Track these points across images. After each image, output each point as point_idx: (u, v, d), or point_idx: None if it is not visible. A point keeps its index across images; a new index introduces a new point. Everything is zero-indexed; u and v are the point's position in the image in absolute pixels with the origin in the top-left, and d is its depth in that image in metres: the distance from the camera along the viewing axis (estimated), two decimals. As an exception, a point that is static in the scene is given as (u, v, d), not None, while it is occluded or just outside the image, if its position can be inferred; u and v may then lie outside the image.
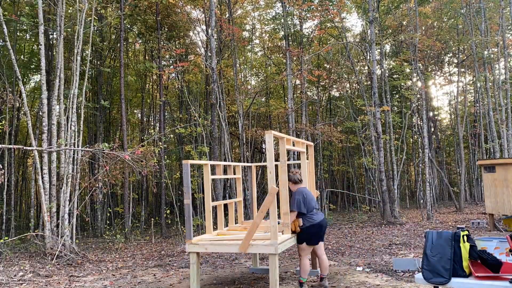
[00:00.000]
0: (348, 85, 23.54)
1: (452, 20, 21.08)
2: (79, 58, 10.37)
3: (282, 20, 18.06)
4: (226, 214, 10.95)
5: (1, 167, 8.59)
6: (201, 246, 5.23)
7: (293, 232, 5.42)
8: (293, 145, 5.80)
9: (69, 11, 14.34)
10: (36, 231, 9.59)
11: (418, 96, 17.59)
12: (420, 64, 17.64)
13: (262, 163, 7.95)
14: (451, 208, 19.49)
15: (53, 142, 9.63)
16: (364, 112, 16.50)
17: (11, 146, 11.30)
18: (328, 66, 21.61)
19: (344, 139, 19.56)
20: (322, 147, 20.83)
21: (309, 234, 5.30)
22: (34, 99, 19.02)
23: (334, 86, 22.71)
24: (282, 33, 19.16)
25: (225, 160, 15.49)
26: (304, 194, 5.39)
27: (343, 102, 21.77)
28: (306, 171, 6.12)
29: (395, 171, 17.36)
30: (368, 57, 18.18)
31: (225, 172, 13.04)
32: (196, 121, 15.40)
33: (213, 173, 9.88)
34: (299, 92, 20.94)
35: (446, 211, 18.24)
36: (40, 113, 12.03)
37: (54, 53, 14.36)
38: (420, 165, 19.62)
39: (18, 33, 15.62)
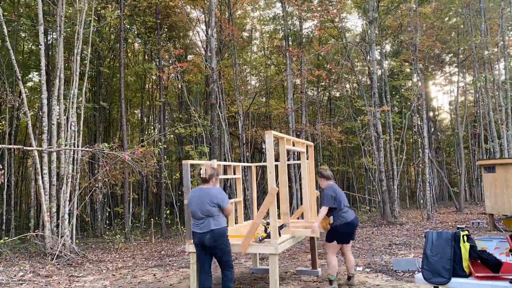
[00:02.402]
0: (348, 85, 23.54)
1: (453, 20, 21.08)
2: (78, 58, 10.38)
3: (282, 21, 18.07)
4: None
5: (1, 167, 8.59)
6: (201, 246, 5.22)
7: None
8: (293, 145, 5.80)
9: (69, 11, 14.33)
10: (36, 231, 9.59)
11: (418, 96, 17.59)
12: (420, 64, 17.64)
13: (262, 163, 7.95)
14: (451, 208, 19.49)
15: (53, 142, 9.64)
16: (364, 112, 16.49)
17: (11, 146, 11.30)
18: (328, 66, 21.61)
19: (344, 139, 19.55)
20: (322, 147, 20.82)
21: (341, 233, 5.24)
22: (34, 98, 19.00)
23: (334, 86, 22.71)
24: (282, 33, 19.16)
25: (225, 160, 15.49)
26: (335, 190, 5.34)
27: (343, 102, 21.77)
28: (306, 171, 6.12)
29: (395, 171, 17.35)
30: (368, 57, 18.18)
31: (225, 172, 13.01)
32: (196, 121, 15.40)
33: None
34: (299, 92, 20.94)
35: (446, 211, 18.24)
36: (40, 113, 12.03)
37: (54, 53, 14.36)
38: (420, 165, 19.61)
39: (19, 33, 15.61)
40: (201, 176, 4.54)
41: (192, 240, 5.26)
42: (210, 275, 4.60)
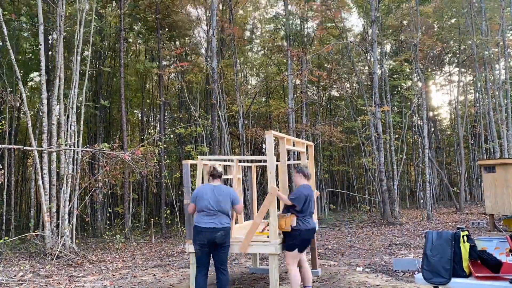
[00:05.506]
0: (348, 85, 23.54)
1: (453, 20, 21.08)
2: (79, 58, 10.38)
3: (284, 20, 18.06)
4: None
5: (1, 167, 8.59)
6: (201, 246, 5.21)
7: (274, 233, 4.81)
8: (293, 145, 5.79)
9: (69, 10, 14.33)
10: (36, 231, 9.59)
11: (418, 96, 17.59)
12: (420, 64, 17.66)
13: (262, 163, 7.94)
14: (451, 208, 19.48)
15: (53, 142, 9.63)
16: (364, 112, 16.49)
17: (11, 146, 11.31)
18: (328, 66, 21.60)
19: (344, 139, 19.56)
20: (322, 147, 20.83)
21: (303, 239, 4.76)
22: (35, 98, 19.00)
23: (334, 86, 22.71)
24: (283, 33, 19.14)
25: (225, 160, 15.47)
26: (310, 193, 4.88)
27: (343, 102, 21.78)
28: (306, 171, 6.11)
29: (395, 171, 17.35)
30: (369, 57, 18.16)
31: (225, 172, 13.00)
32: (196, 121, 15.39)
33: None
34: (299, 92, 20.93)
35: (446, 211, 18.24)
36: (40, 113, 12.03)
37: (54, 53, 14.36)
38: (420, 165, 19.61)
39: (20, 33, 15.60)
40: (214, 171, 4.57)
41: (192, 240, 5.23)
42: (207, 276, 4.58)
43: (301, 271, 4.94)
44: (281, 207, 5.09)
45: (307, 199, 4.80)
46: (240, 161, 6.83)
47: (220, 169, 4.62)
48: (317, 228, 5.10)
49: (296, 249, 4.74)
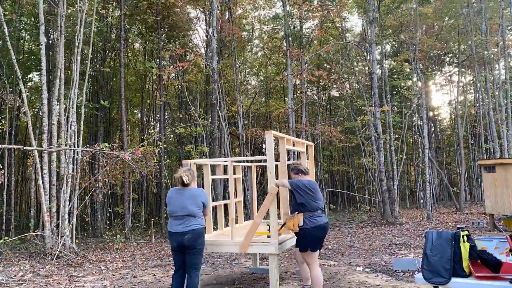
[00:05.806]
0: (348, 85, 23.54)
1: (453, 20, 21.09)
2: (79, 58, 10.38)
3: (283, 20, 18.07)
4: (226, 214, 10.96)
5: (1, 167, 8.59)
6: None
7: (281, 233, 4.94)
8: (293, 145, 5.80)
9: (69, 11, 14.33)
10: (36, 231, 9.59)
11: (418, 96, 17.59)
12: (420, 64, 17.67)
13: (262, 163, 7.94)
14: (451, 208, 19.48)
15: (53, 142, 9.64)
16: (364, 112, 16.49)
17: (11, 146, 11.31)
18: (328, 66, 21.60)
19: (344, 139, 19.56)
20: (322, 147, 20.83)
21: (313, 237, 4.58)
22: (35, 98, 18.99)
23: (334, 86, 22.72)
24: (282, 33, 19.15)
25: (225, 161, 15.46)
26: (315, 188, 4.72)
27: (343, 102, 21.79)
28: (306, 171, 6.12)
29: (395, 171, 17.35)
30: (368, 57, 18.17)
31: (225, 172, 13.01)
32: (196, 121, 15.39)
33: (213, 173, 9.89)
34: (299, 92, 20.93)
35: (446, 211, 18.24)
36: (40, 113, 12.03)
37: (55, 53, 14.36)
38: (420, 165, 19.61)
39: (20, 33, 15.60)
40: (184, 183, 4.55)
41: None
42: (184, 277, 4.55)
43: (311, 274, 4.77)
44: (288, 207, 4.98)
45: (307, 188, 4.64)
46: (236, 161, 6.82)
47: (187, 180, 4.55)
48: (326, 226, 4.74)
49: (309, 249, 4.60)
